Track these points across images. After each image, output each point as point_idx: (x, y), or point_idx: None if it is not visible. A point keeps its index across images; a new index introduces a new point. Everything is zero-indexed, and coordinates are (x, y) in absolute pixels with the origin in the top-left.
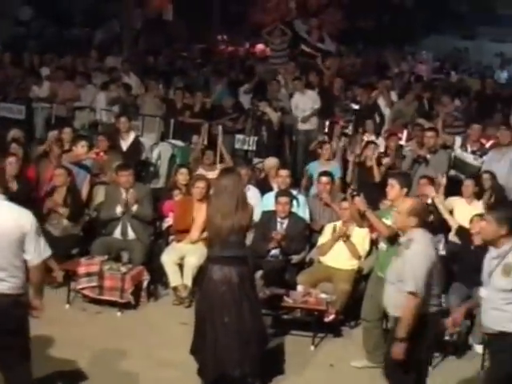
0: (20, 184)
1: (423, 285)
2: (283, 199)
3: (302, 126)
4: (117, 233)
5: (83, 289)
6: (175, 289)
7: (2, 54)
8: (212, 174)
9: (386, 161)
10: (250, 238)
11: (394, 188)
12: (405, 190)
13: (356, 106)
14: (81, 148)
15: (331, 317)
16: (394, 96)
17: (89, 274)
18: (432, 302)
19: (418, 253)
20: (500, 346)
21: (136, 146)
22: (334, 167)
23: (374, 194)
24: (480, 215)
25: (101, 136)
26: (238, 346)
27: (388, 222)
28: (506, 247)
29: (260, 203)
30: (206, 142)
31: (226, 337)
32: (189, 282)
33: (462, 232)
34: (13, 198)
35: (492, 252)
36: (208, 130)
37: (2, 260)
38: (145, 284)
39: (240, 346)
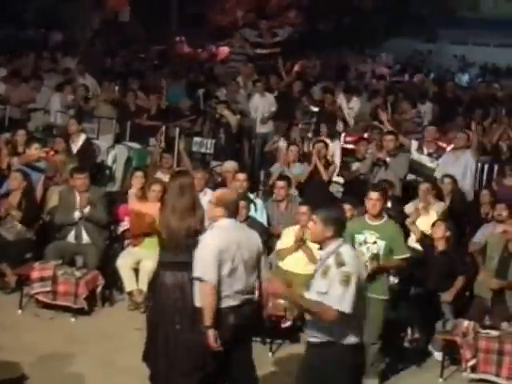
0: None
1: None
2: (240, 203)
3: (260, 129)
4: (71, 237)
5: (37, 294)
6: (130, 294)
7: None
8: (161, 176)
9: (333, 167)
10: None
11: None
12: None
13: (316, 109)
14: (34, 150)
15: (288, 323)
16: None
17: (42, 279)
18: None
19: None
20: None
21: (86, 148)
22: (299, 169)
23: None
24: (442, 219)
25: (58, 138)
26: (189, 353)
27: None
28: (330, 248)
29: None
30: (163, 145)
31: (177, 344)
32: (144, 286)
33: (424, 238)
34: None
35: (321, 254)
36: (165, 132)
37: None
38: (99, 289)
39: (191, 353)
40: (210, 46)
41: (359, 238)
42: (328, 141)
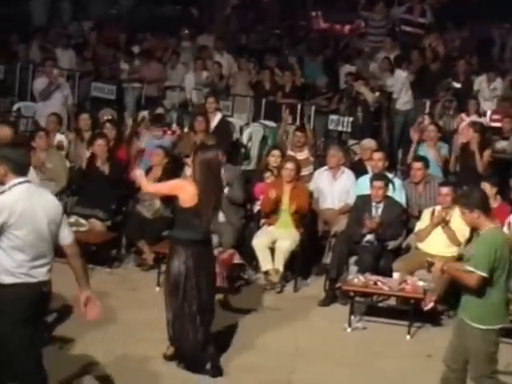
0: (112, 166)
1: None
2: (378, 183)
3: (400, 106)
4: None
5: None
6: (266, 273)
7: (90, 34)
8: (301, 156)
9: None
10: (344, 222)
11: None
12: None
13: (458, 85)
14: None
15: (430, 305)
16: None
17: None
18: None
19: None
20: None
21: (223, 126)
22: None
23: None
24: None
25: (199, 117)
26: (193, 326)
27: None
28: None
29: (355, 187)
30: (297, 123)
31: (184, 316)
32: (280, 266)
33: None
34: (105, 180)
35: None
36: (301, 110)
37: (48, 245)
38: (237, 268)
39: (195, 325)
40: (346, 21)
41: None
42: (478, 118)
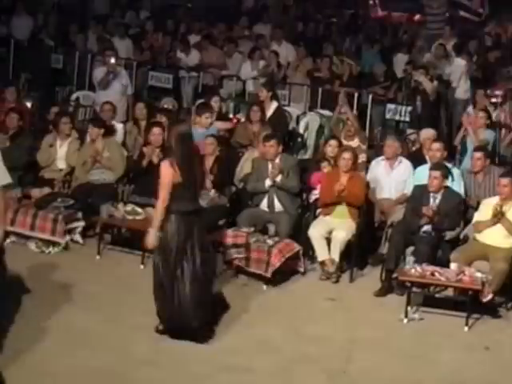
0: (166, 155)
1: None
2: (434, 173)
3: (459, 95)
4: (263, 205)
5: (232, 260)
6: (322, 263)
7: (146, 23)
8: (353, 144)
9: None
10: (401, 212)
11: None
12: None
13: None
14: (204, 119)
15: (489, 297)
16: None
17: (236, 246)
18: None
19: None
20: None
21: (278, 115)
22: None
23: None
24: None
25: (255, 107)
26: (190, 297)
27: None
28: None
29: (412, 177)
30: (355, 112)
31: (181, 288)
32: (336, 256)
33: None
34: (157, 167)
35: None
36: (357, 99)
37: None
38: (293, 257)
39: (192, 297)
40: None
41: None
42: None
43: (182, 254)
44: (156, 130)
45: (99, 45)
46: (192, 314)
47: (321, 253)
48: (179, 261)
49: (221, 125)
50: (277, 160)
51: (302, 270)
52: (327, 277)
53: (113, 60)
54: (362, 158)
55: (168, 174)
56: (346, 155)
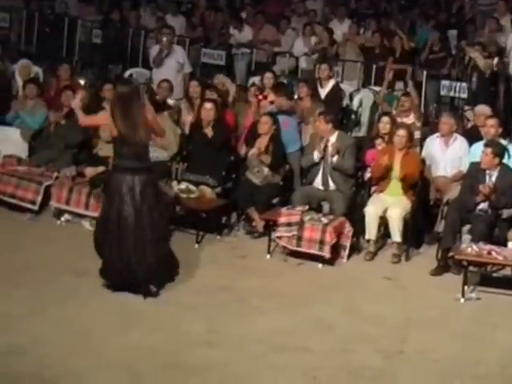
0: (217, 130)
1: None
2: (486, 150)
3: None
4: (317, 182)
5: (280, 237)
6: (368, 241)
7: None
8: (407, 121)
9: None
10: (456, 190)
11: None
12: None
13: None
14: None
15: None
16: None
17: (289, 224)
18: None
19: None
20: None
21: (335, 93)
22: None
23: None
24: None
25: (301, 83)
26: (133, 251)
27: None
28: None
29: (468, 154)
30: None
31: (125, 240)
32: (397, 237)
33: None
34: (209, 145)
35: None
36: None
37: None
38: (347, 236)
39: (136, 251)
40: None
41: None
42: None
43: (121, 209)
44: (208, 105)
45: (157, 22)
46: (135, 267)
47: (370, 231)
48: (120, 215)
49: (283, 102)
50: (333, 138)
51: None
52: (371, 257)
53: (165, 38)
54: (417, 135)
55: (103, 118)
56: (401, 132)
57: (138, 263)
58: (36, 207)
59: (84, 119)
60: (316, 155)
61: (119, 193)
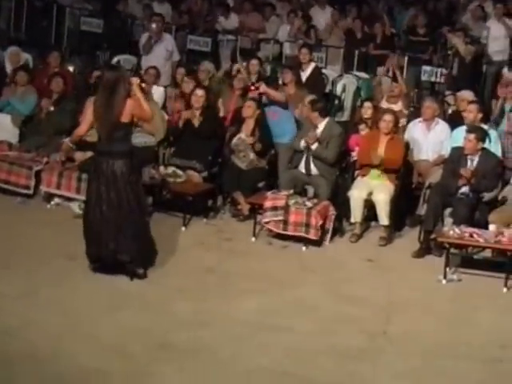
0: (205, 117)
1: None
2: (468, 135)
3: (496, 57)
4: (301, 167)
5: (268, 222)
6: (353, 225)
7: None
8: (396, 107)
9: None
10: (438, 174)
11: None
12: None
13: None
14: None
15: None
16: None
17: (275, 208)
18: None
19: None
20: None
21: (316, 76)
22: None
23: None
24: None
25: (285, 69)
26: (114, 233)
27: None
28: None
29: (449, 138)
30: (391, 74)
31: (105, 223)
32: (385, 220)
33: None
34: (196, 130)
35: None
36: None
37: None
38: (331, 219)
39: (116, 234)
40: None
41: None
42: None
43: (101, 192)
44: (199, 92)
45: (144, 10)
46: (115, 250)
47: (356, 214)
48: (100, 198)
49: (274, 94)
50: (321, 126)
51: (339, 231)
52: (355, 239)
53: (154, 25)
54: (402, 122)
55: (88, 108)
56: (388, 117)
57: (118, 246)
58: (31, 191)
59: (78, 130)
60: (302, 144)
61: (99, 176)
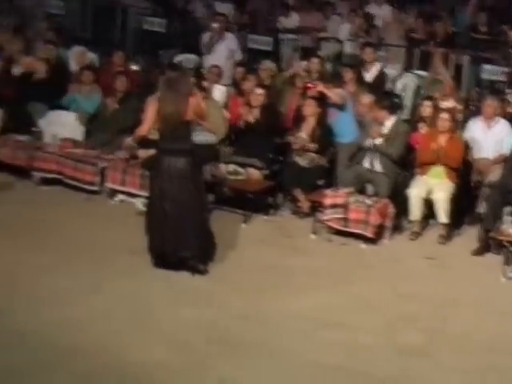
0: (265, 115)
1: None
2: None
3: None
4: (365, 162)
5: (328, 220)
6: (413, 223)
7: None
8: (448, 104)
9: None
10: (498, 172)
11: None
12: None
13: None
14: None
15: None
16: None
17: (334, 206)
18: None
19: None
20: None
21: (381, 77)
22: None
23: None
24: None
25: (345, 67)
26: (176, 230)
27: None
28: None
29: (510, 137)
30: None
31: (167, 220)
32: (444, 218)
33: None
34: (255, 128)
35: None
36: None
37: None
38: (390, 217)
39: (178, 230)
40: None
41: None
42: None
43: (164, 189)
44: (258, 91)
45: (206, 9)
46: (177, 246)
47: (415, 213)
48: (162, 196)
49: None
50: (388, 124)
51: (398, 229)
52: (415, 237)
53: (215, 24)
54: (459, 118)
55: (151, 107)
56: (444, 115)
57: (179, 242)
58: (96, 188)
59: (140, 129)
60: (368, 142)
61: (162, 174)
